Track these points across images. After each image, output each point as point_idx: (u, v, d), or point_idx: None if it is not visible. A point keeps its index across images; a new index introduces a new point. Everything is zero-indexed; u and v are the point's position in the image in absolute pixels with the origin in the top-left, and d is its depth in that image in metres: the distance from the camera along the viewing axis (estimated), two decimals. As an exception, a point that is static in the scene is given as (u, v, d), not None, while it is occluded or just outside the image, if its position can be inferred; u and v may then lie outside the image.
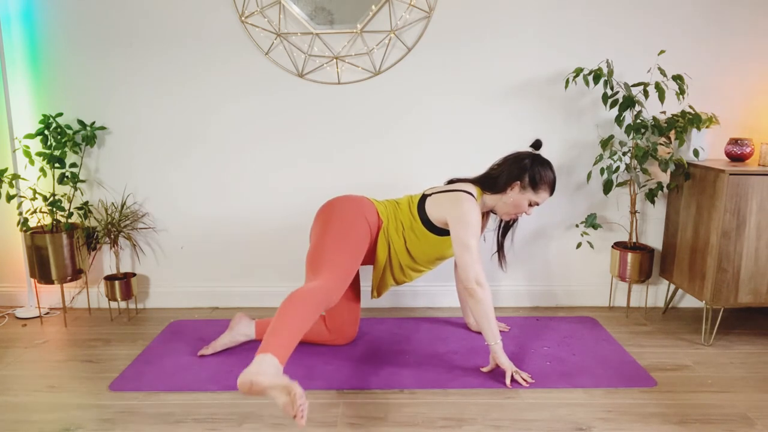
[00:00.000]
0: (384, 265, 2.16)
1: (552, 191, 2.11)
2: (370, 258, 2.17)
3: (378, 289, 2.23)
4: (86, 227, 2.59)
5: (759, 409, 1.83)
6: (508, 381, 1.95)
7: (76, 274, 2.56)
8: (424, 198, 2.13)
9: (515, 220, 2.27)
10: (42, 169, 2.47)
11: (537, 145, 2.14)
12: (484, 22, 2.50)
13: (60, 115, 2.53)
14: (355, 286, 2.26)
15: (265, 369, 1.52)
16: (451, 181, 2.20)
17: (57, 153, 2.48)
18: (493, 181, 2.11)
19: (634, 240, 2.58)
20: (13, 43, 2.55)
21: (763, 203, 2.18)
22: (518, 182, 2.07)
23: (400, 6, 2.47)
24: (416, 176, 2.64)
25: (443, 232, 2.10)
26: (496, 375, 2.03)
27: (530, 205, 2.11)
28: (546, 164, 2.09)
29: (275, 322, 1.67)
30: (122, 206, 2.64)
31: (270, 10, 2.49)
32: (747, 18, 2.50)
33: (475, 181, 2.15)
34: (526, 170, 2.06)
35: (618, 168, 2.43)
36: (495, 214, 2.23)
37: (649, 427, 1.73)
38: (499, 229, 2.30)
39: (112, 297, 2.58)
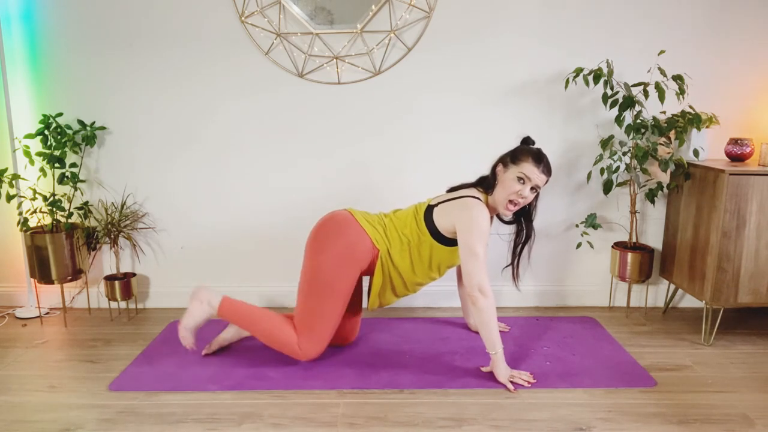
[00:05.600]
0: (383, 287, 2.12)
1: (537, 160, 1.99)
2: (371, 273, 2.13)
3: (380, 303, 2.18)
4: (86, 227, 2.59)
5: (759, 409, 1.83)
6: (510, 387, 1.94)
7: (76, 274, 2.56)
8: (429, 209, 2.07)
9: (528, 232, 2.16)
10: (42, 169, 2.47)
11: (526, 141, 2.13)
12: (483, 22, 2.50)
13: (60, 115, 2.53)
14: (356, 290, 2.25)
15: (206, 299, 2.10)
16: (452, 189, 2.16)
17: (57, 153, 2.48)
18: (488, 178, 2.10)
19: (634, 240, 2.58)
20: (13, 43, 2.55)
21: (763, 203, 2.18)
22: (500, 163, 2.07)
23: (400, 6, 2.47)
24: (416, 176, 2.64)
25: (453, 242, 2.04)
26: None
27: (522, 182, 1.98)
28: (526, 143, 2.11)
29: (246, 313, 2.09)
30: (122, 206, 2.64)
31: (270, 10, 2.49)
32: (747, 18, 2.50)
33: (476, 185, 2.13)
34: (506, 153, 2.08)
35: (618, 168, 2.43)
36: (498, 216, 2.20)
37: (649, 427, 1.73)
38: (515, 245, 2.18)
39: (112, 297, 2.58)
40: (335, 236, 2.03)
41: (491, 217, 2.24)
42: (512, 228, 2.21)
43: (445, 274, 2.20)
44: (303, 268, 2.07)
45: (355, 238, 2.03)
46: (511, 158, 2.03)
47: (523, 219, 2.17)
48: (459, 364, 2.13)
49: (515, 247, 2.19)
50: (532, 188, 2.01)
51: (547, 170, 2.02)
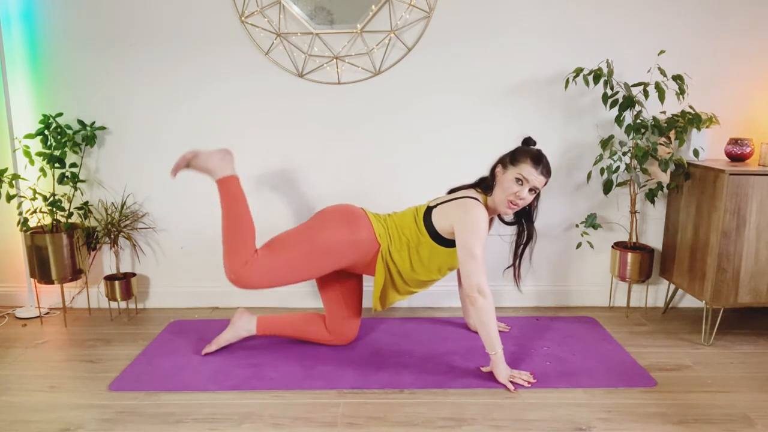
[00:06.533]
0: (385, 285, 2.13)
1: (536, 162, 1.98)
2: (370, 270, 2.14)
3: (381, 304, 2.18)
4: (86, 227, 2.59)
5: (759, 409, 1.83)
6: (510, 387, 1.94)
7: (76, 274, 2.56)
8: (429, 210, 2.08)
9: (529, 232, 2.15)
10: (42, 169, 2.47)
11: (527, 142, 2.12)
12: (483, 22, 2.50)
13: (60, 115, 2.53)
14: (356, 288, 2.25)
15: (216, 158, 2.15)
16: (452, 191, 2.16)
17: (57, 153, 2.48)
18: (486, 179, 2.10)
19: (634, 240, 2.58)
20: (13, 43, 2.55)
21: (763, 203, 2.18)
22: (500, 164, 2.06)
23: (400, 6, 2.47)
24: (416, 176, 2.64)
25: (451, 243, 2.03)
26: (496, 375, 2.03)
27: (520, 183, 1.97)
28: (526, 144, 2.10)
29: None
30: (122, 206, 2.64)
31: (270, 10, 2.49)
32: (747, 17, 2.50)
33: (475, 186, 2.13)
34: (506, 154, 2.07)
35: (618, 168, 2.43)
36: (500, 216, 2.20)
37: (649, 427, 1.73)
38: (517, 246, 2.17)
39: (112, 297, 2.58)
40: (345, 222, 2.07)
41: (491, 219, 2.24)
42: (513, 229, 2.20)
43: (447, 275, 2.20)
44: (304, 223, 2.13)
45: (360, 228, 2.06)
46: (510, 159, 2.03)
47: (524, 220, 2.16)
48: (459, 364, 2.13)
49: (516, 248, 2.18)
50: (530, 189, 2.00)
51: (546, 171, 2.01)
